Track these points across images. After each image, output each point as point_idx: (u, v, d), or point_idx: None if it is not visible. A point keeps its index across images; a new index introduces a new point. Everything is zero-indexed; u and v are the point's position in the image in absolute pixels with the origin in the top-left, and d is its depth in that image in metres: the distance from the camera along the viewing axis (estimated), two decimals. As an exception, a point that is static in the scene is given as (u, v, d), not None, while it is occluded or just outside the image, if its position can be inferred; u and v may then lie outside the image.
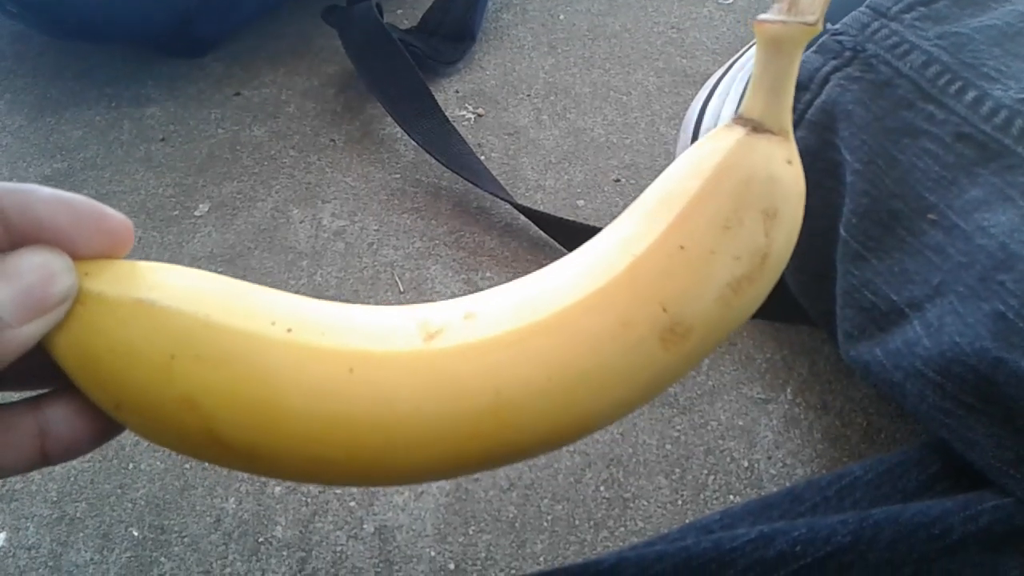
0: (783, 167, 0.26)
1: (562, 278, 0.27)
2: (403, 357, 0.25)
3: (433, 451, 0.25)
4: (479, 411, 0.25)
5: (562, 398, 0.25)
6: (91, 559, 0.49)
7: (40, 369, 0.25)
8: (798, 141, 0.48)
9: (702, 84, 0.66)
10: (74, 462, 0.54)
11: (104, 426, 0.26)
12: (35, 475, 0.53)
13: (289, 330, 0.25)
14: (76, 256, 0.24)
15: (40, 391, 0.26)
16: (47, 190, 0.23)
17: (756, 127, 0.26)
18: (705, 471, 0.51)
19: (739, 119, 0.27)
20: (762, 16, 0.26)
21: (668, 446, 0.53)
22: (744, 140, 0.26)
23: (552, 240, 0.65)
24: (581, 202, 0.69)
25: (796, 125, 0.48)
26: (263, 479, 0.52)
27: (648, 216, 0.27)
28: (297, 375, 0.24)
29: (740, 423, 0.53)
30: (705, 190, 0.26)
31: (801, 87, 0.48)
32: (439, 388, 0.25)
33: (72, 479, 0.53)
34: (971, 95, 0.42)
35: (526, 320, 0.26)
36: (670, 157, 0.71)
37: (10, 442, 0.25)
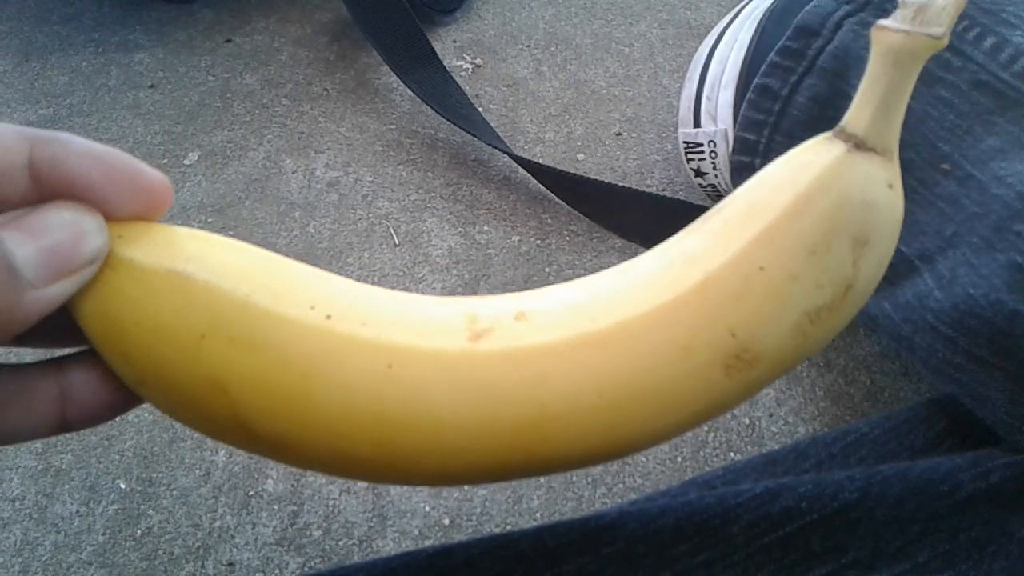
0: (882, 192, 0.24)
1: (626, 285, 0.25)
2: (446, 357, 0.23)
3: (465, 459, 0.24)
4: (520, 423, 0.23)
5: (610, 417, 0.23)
6: (77, 511, 0.48)
7: (64, 328, 0.23)
8: (808, 89, 0.47)
9: (706, 36, 0.64)
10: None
11: (128, 394, 0.24)
12: (20, 426, 0.52)
13: (329, 317, 0.23)
14: (108, 216, 0.22)
15: (63, 351, 0.25)
16: (81, 142, 0.22)
17: (859, 144, 0.24)
18: (705, 428, 0.50)
19: (840, 132, 0.25)
20: (883, 22, 0.23)
21: (668, 402, 0.52)
22: (844, 157, 0.24)
23: (551, 194, 0.63)
24: (581, 156, 0.67)
25: (807, 72, 0.47)
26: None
27: (727, 227, 0.24)
28: (333, 367, 0.23)
29: (741, 380, 0.52)
30: (795, 208, 0.24)
31: (813, 33, 0.46)
32: (480, 394, 0.23)
33: (58, 430, 0.52)
34: (989, 42, 0.40)
35: (582, 328, 0.24)
36: (673, 110, 0.69)
37: (29, 406, 0.23)
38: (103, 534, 0.47)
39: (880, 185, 0.24)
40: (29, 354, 0.25)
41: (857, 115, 0.24)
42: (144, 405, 0.52)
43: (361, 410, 0.23)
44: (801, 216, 0.24)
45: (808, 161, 0.24)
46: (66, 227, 0.21)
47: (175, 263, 0.22)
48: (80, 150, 0.21)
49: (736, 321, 0.23)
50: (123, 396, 0.24)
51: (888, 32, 0.23)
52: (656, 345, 0.23)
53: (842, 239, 0.24)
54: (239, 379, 0.22)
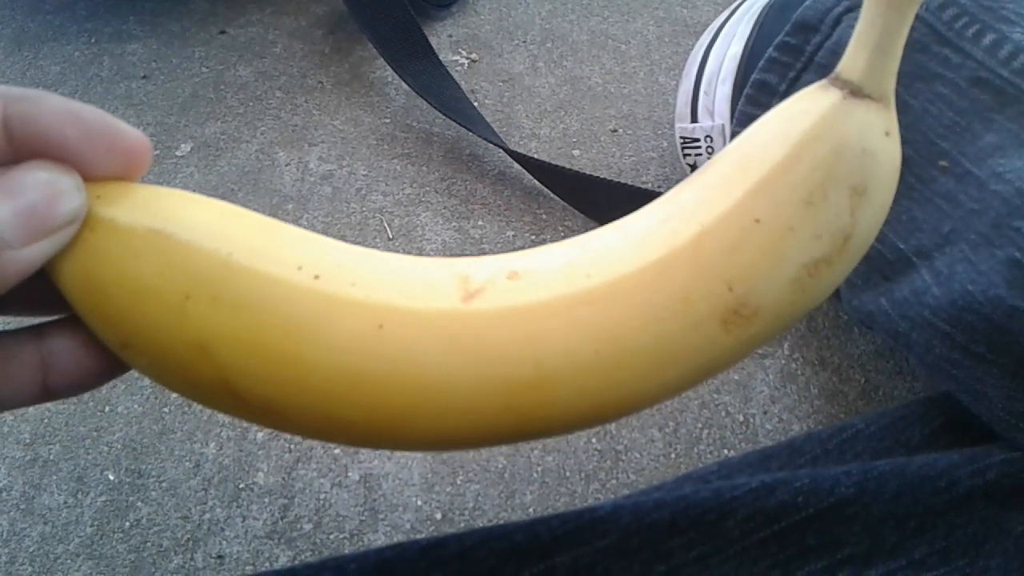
0: (879, 139, 0.23)
1: (620, 242, 0.24)
2: (438, 316, 0.23)
3: (460, 420, 0.23)
4: (516, 382, 0.23)
5: (608, 376, 0.23)
6: (64, 502, 0.48)
7: (46, 294, 0.23)
8: (806, 84, 0.47)
9: (702, 34, 0.64)
10: (48, 403, 0.52)
11: (112, 361, 0.24)
12: (7, 415, 0.51)
13: (317, 277, 0.22)
14: (87, 176, 0.22)
15: (45, 318, 0.24)
16: (57, 99, 0.21)
17: (854, 91, 0.23)
18: (699, 425, 0.50)
19: (835, 80, 0.24)
20: None
21: (662, 399, 0.51)
22: (839, 105, 0.23)
23: (546, 189, 0.63)
24: (577, 152, 0.67)
25: (805, 68, 0.47)
26: (245, 424, 0.50)
27: (721, 180, 0.24)
28: (321, 327, 0.22)
29: (736, 377, 0.52)
30: (790, 158, 0.23)
31: (811, 29, 0.46)
32: (474, 354, 0.23)
33: (46, 421, 0.51)
34: (989, 38, 0.40)
35: (576, 286, 0.23)
36: (669, 108, 0.69)
37: (10, 373, 0.23)
38: (91, 526, 0.47)
39: (877, 132, 0.23)
40: (7, 323, 0.25)
41: (852, 61, 0.24)
42: (134, 397, 0.52)
43: (351, 372, 0.22)
44: (797, 166, 0.23)
45: (803, 110, 0.24)
46: (42, 187, 0.20)
47: (156, 222, 0.22)
48: (55, 107, 0.21)
49: (733, 275, 0.23)
50: (106, 362, 0.24)
51: None
52: (652, 301, 0.23)
53: (839, 189, 0.23)
54: (225, 341, 0.22)
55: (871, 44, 0.23)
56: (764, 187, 0.23)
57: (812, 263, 0.23)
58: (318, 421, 0.23)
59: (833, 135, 0.23)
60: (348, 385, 0.22)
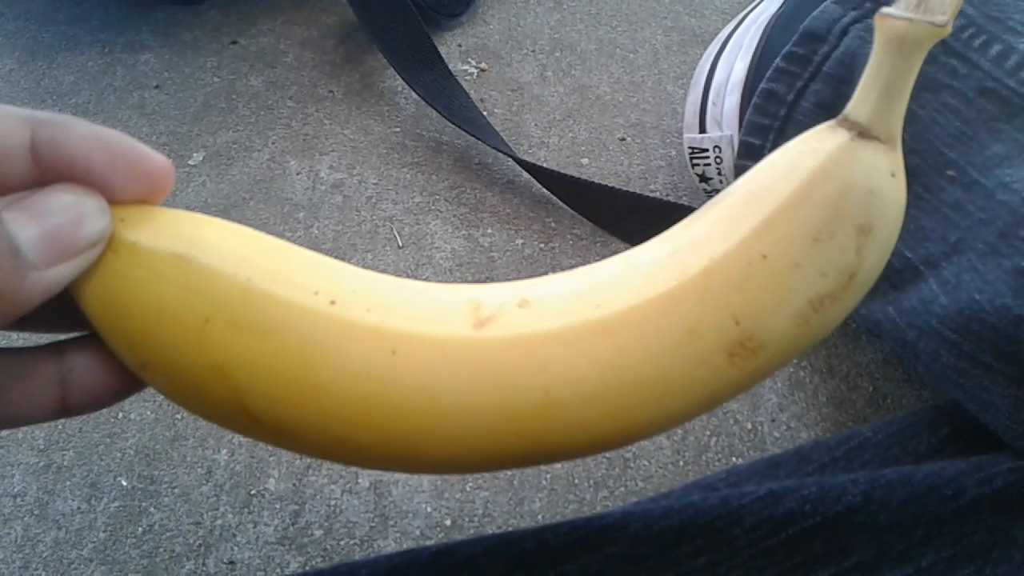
0: (885, 180, 0.24)
1: (629, 273, 0.25)
2: (450, 343, 0.23)
3: (469, 445, 0.24)
4: (525, 409, 0.23)
5: (615, 404, 0.23)
6: (78, 508, 0.48)
7: (67, 312, 0.23)
8: (814, 94, 0.47)
9: (710, 44, 0.64)
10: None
11: (130, 379, 0.24)
12: (22, 422, 0.52)
13: (333, 302, 0.23)
14: (111, 199, 0.22)
15: (65, 335, 0.25)
16: (83, 124, 0.22)
17: (862, 132, 0.24)
18: (707, 432, 0.50)
19: (844, 121, 0.25)
20: (887, 10, 0.23)
21: (670, 407, 0.52)
22: (847, 146, 0.24)
23: (555, 198, 0.63)
24: (585, 160, 0.67)
25: (813, 77, 0.47)
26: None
27: (730, 215, 0.25)
28: (337, 352, 0.23)
29: (744, 385, 0.52)
30: (798, 195, 0.24)
31: (819, 38, 0.46)
32: (484, 381, 0.23)
33: (59, 427, 0.52)
34: (996, 49, 0.40)
35: (586, 316, 0.24)
36: (677, 116, 0.69)
37: (30, 390, 0.23)
38: (104, 531, 0.47)
39: (883, 173, 0.24)
40: (29, 339, 0.25)
41: (860, 103, 0.24)
42: (146, 404, 0.52)
43: (364, 396, 0.23)
44: (804, 204, 0.24)
45: (811, 149, 0.24)
46: (68, 209, 0.21)
47: (178, 246, 0.22)
48: (81, 132, 0.21)
49: (739, 309, 0.23)
50: (124, 381, 0.24)
51: (891, 20, 0.23)
52: (659, 332, 0.23)
53: (846, 227, 0.23)
54: (242, 364, 0.22)
55: (879, 88, 0.24)
56: (772, 224, 0.24)
57: (817, 299, 0.24)
58: (330, 444, 0.24)
59: (841, 175, 0.24)
60: (361, 409, 0.23)
